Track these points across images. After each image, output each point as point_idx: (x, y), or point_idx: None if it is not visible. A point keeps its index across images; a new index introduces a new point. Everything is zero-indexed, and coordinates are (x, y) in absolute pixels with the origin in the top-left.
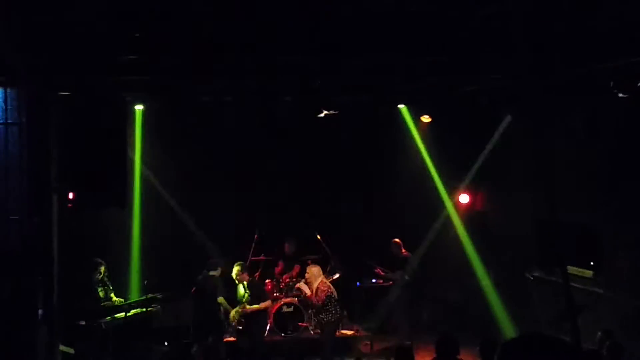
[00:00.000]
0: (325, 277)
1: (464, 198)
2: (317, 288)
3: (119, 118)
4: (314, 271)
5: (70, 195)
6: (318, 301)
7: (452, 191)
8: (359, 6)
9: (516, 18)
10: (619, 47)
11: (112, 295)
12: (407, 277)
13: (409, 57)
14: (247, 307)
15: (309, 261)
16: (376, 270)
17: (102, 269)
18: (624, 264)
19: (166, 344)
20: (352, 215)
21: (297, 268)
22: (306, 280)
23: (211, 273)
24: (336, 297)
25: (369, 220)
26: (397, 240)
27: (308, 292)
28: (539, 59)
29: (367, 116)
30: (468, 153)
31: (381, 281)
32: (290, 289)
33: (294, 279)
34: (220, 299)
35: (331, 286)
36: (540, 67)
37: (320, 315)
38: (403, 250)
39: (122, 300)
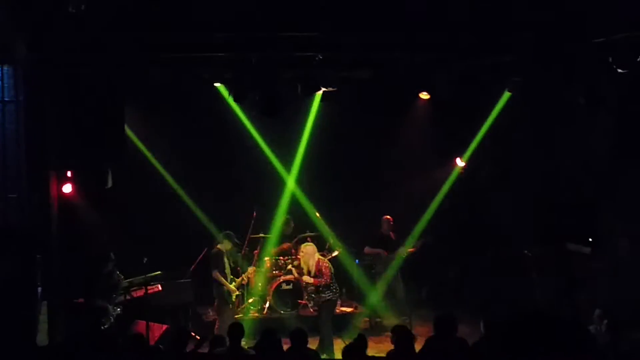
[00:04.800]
0: (324, 254)
1: (462, 175)
2: (320, 267)
3: (117, 96)
4: (309, 250)
5: (69, 173)
6: (326, 280)
7: (451, 168)
8: None
9: None
10: (618, 22)
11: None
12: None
13: (409, 34)
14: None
15: (308, 238)
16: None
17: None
18: (622, 241)
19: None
20: (351, 192)
21: (286, 246)
22: (300, 259)
23: (218, 246)
24: (334, 274)
25: (368, 198)
26: (388, 217)
27: (311, 280)
28: (539, 34)
29: (366, 93)
30: (467, 130)
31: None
32: (286, 267)
33: (293, 257)
34: (215, 274)
35: (329, 263)
36: (539, 42)
37: (319, 294)
38: (392, 232)
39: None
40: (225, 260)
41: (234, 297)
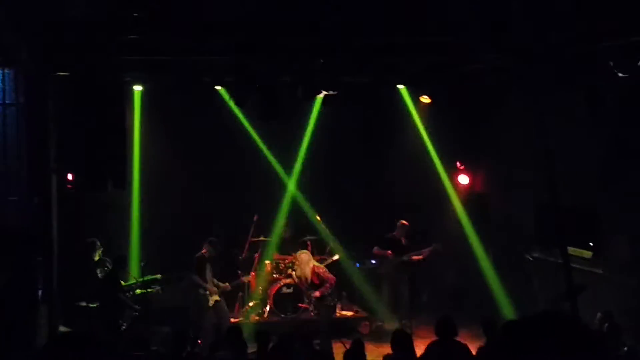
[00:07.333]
0: (325, 258)
1: (464, 179)
2: (319, 274)
3: (118, 99)
4: (303, 258)
5: (70, 177)
6: (331, 284)
7: (452, 172)
8: None
9: None
10: (619, 26)
11: None
12: (404, 258)
13: (409, 37)
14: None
15: (308, 242)
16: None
17: (99, 250)
18: (623, 244)
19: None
20: (352, 196)
21: (289, 258)
22: (296, 267)
23: (203, 251)
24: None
25: (369, 201)
26: (404, 222)
27: (317, 294)
28: (539, 38)
29: (366, 97)
30: (468, 134)
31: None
32: (287, 270)
33: (294, 261)
34: (194, 277)
35: (325, 268)
36: (541, 46)
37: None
38: (404, 237)
39: (122, 281)
40: (208, 265)
41: (211, 301)
